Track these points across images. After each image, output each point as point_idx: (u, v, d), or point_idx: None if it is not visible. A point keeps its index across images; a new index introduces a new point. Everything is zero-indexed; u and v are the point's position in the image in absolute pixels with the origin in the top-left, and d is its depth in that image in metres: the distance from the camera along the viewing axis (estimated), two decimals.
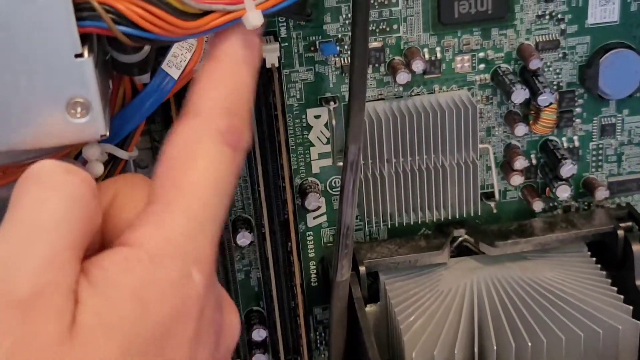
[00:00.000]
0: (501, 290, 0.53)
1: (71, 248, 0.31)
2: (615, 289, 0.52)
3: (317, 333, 0.59)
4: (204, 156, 0.34)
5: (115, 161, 0.44)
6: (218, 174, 0.34)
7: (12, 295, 0.30)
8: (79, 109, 0.37)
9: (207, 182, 0.34)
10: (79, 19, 0.35)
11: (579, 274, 0.54)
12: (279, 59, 0.49)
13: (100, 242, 0.35)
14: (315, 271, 0.57)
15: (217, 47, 0.37)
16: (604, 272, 0.54)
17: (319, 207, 0.54)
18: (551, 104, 0.52)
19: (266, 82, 0.49)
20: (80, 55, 0.36)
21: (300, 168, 0.54)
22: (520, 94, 0.51)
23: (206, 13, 0.36)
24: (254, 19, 0.36)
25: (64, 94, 0.37)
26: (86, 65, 0.36)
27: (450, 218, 0.54)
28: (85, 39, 0.36)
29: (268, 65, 0.48)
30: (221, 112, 0.35)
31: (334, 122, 0.52)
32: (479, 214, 0.55)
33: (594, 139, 0.56)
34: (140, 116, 0.44)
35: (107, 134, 0.38)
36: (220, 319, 0.35)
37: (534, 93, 0.51)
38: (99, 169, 0.42)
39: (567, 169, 0.53)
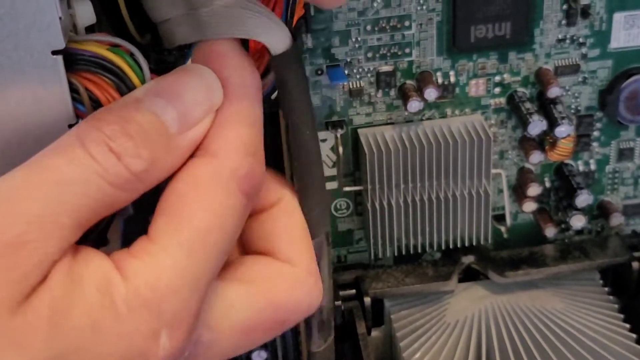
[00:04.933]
0: (510, 324, 0.51)
1: (75, 217, 0.29)
2: (628, 326, 0.51)
3: None
4: (214, 204, 0.31)
5: None
6: (226, 226, 0.31)
7: None
8: None
9: (212, 235, 0.31)
10: None
11: (591, 306, 0.52)
12: None
13: None
14: None
15: (224, 80, 0.33)
16: (617, 306, 0.52)
17: None
18: (569, 135, 0.50)
19: (272, 113, 0.46)
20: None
21: None
22: (537, 126, 0.49)
23: None
24: None
25: None
26: None
27: (459, 245, 0.52)
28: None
29: (273, 97, 0.45)
30: (240, 155, 0.32)
31: (340, 149, 0.50)
32: (489, 241, 0.53)
33: (610, 163, 0.54)
34: None
35: None
36: None
37: (552, 123, 0.49)
38: None
39: (583, 199, 0.51)
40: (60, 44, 0.32)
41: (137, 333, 0.29)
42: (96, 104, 0.34)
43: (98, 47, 0.34)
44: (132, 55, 0.34)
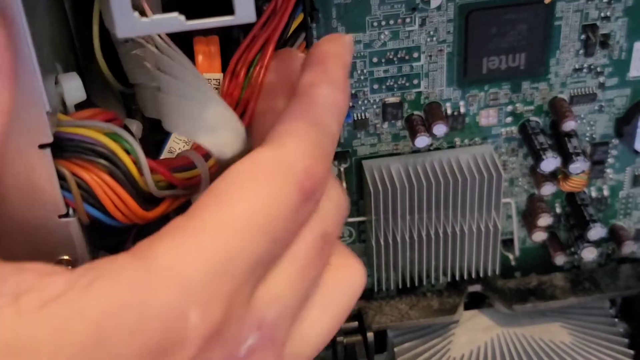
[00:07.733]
0: (516, 358, 0.50)
1: None
2: None
3: None
4: (267, 189, 0.29)
5: None
6: (273, 215, 0.29)
7: None
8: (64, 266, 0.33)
9: (256, 220, 0.28)
10: None
11: (600, 340, 0.51)
12: None
13: None
14: None
15: (315, 84, 0.33)
16: (626, 340, 0.51)
17: None
18: (583, 171, 0.47)
19: None
20: (65, 216, 0.32)
21: None
22: (551, 163, 0.46)
23: (161, 200, 0.34)
24: None
25: (48, 254, 0.33)
26: (71, 225, 0.32)
27: (465, 277, 0.51)
28: None
29: None
30: (306, 153, 0.30)
31: (344, 184, 0.48)
32: (497, 273, 0.51)
33: (624, 188, 0.52)
34: None
35: None
36: None
37: (566, 158, 0.47)
38: None
39: (595, 232, 0.49)
40: (48, 139, 0.30)
41: (160, 318, 0.26)
42: (86, 191, 0.31)
43: (89, 130, 0.32)
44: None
